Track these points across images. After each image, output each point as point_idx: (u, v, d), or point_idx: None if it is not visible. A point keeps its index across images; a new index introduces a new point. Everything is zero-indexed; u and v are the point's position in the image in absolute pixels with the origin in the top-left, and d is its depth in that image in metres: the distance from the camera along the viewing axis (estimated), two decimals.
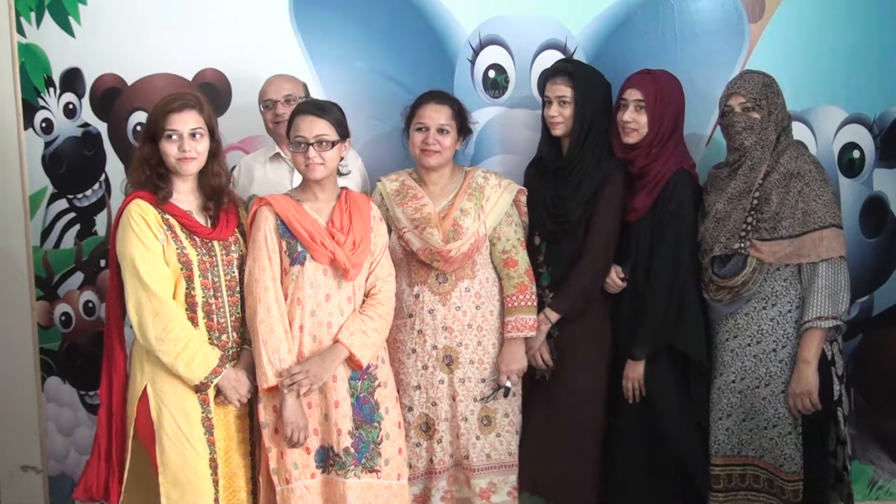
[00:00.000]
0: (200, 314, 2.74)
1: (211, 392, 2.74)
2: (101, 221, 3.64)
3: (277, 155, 3.26)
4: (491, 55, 3.48)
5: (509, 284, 3.11)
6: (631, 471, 3.12)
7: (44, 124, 3.62)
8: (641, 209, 3.08)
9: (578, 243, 3.12)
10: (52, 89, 3.59)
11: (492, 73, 3.49)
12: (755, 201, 2.95)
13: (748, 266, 2.94)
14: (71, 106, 3.59)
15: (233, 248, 2.82)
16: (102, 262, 3.63)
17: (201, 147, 2.74)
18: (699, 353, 3.05)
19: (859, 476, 3.52)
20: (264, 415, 2.81)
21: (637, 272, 3.09)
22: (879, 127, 3.42)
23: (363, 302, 2.90)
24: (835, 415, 2.94)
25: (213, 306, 2.76)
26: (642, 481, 3.11)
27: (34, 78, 3.59)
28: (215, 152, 2.80)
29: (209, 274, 2.75)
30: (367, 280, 2.90)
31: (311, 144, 2.78)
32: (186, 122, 2.71)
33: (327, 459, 2.85)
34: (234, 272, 2.81)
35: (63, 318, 3.71)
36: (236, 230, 2.86)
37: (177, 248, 2.71)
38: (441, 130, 3.06)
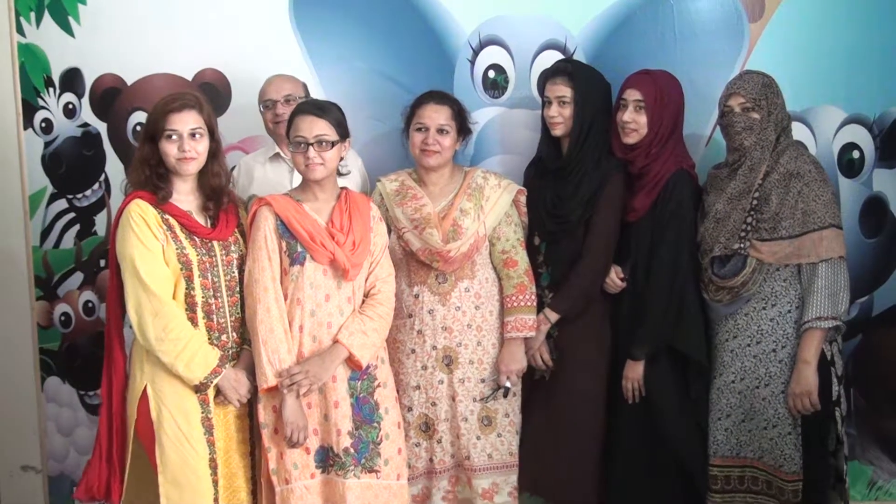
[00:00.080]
0: (200, 314, 2.74)
1: (211, 392, 2.74)
2: (100, 221, 3.64)
3: (277, 155, 3.26)
4: (491, 55, 3.48)
5: (509, 285, 3.11)
6: (631, 471, 3.13)
7: (43, 124, 3.62)
8: (641, 209, 3.08)
9: (578, 243, 3.12)
10: (51, 89, 3.59)
11: (491, 74, 3.49)
12: (755, 201, 2.95)
13: (748, 266, 2.94)
14: (71, 106, 3.59)
15: (232, 248, 2.82)
16: (102, 263, 3.63)
17: (201, 147, 2.74)
18: (699, 354, 3.05)
19: (859, 476, 3.52)
20: (264, 415, 2.81)
21: (637, 272, 3.09)
22: (879, 127, 3.42)
23: (363, 302, 2.90)
24: (834, 415, 2.94)
25: (213, 306, 2.76)
26: (642, 481, 3.11)
27: (34, 78, 3.59)
28: (215, 152, 2.80)
29: (209, 274, 2.75)
30: (366, 280, 2.90)
31: (311, 144, 2.78)
32: (186, 122, 2.71)
33: (327, 459, 2.85)
34: (233, 272, 2.81)
35: (63, 318, 3.71)
36: (236, 230, 2.86)
37: (176, 249, 2.71)
38: (441, 130, 3.06)
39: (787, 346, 2.94)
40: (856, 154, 3.44)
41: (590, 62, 3.34)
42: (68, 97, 3.58)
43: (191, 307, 2.73)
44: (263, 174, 3.26)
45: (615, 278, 3.12)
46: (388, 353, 3.00)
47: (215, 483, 2.74)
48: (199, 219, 2.79)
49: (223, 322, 2.79)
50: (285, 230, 2.80)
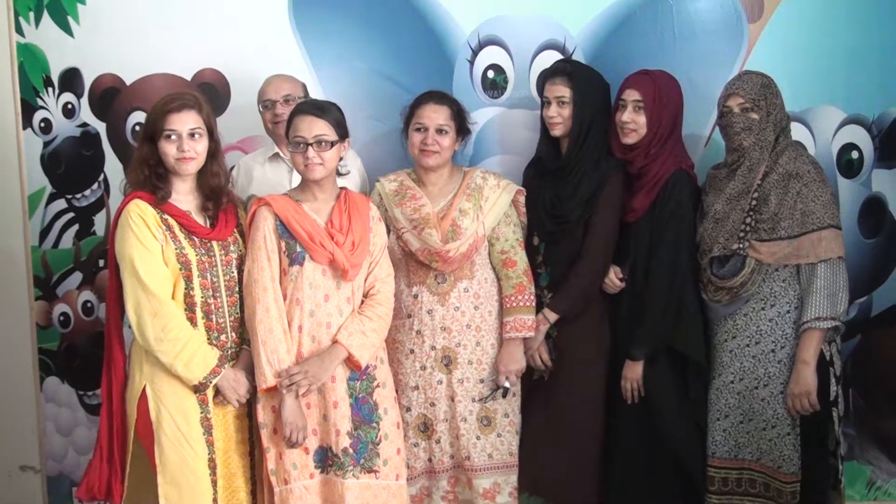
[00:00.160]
0: (199, 314, 2.74)
1: (210, 392, 2.74)
2: (99, 221, 3.64)
3: (276, 155, 3.26)
4: (490, 55, 3.48)
5: (508, 285, 3.11)
6: (630, 471, 3.13)
7: (42, 124, 3.62)
8: (640, 210, 3.08)
9: (577, 244, 3.12)
10: (50, 89, 3.59)
11: (491, 74, 3.49)
12: (754, 202, 2.95)
13: (747, 267, 2.94)
14: (70, 106, 3.59)
15: (232, 248, 2.82)
16: (101, 262, 3.63)
17: (200, 147, 2.74)
18: (698, 354, 3.05)
19: (858, 476, 3.53)
20: (263, 415, 2.81)
21: (636, 272, 3.09)
22: (878, 127, 3.42)
23: (362, 302, 2.90)
24: (831, 415, 2.94)
25: (212, 306, 2.76)
26: (641, 481, 3.11)
27: (33, 78, 3.58)
28: (214, 152, 2.80)
29: (208, 274, 2.75)
30: (365, 280, 2.90)
31: (311, 144, 2.78)
32: (185, 122, 2.71)
33: (326, 460, 2.85)
34: (232, 272, 2.81)
35: (62, 318, 3.71)
36: (235, 230, 2.86)
37: (176, 249, 2.71)
38: (440, 131, 3.06)
39: (786, 346, 2.94)
40: (855, 154, 3.44)
41: (589, 62, 3.34)
42: (67, 97, 3.58)
43: (190, 307, 2.73)
44: (263, 174, 3.25)
45: (614, 278, 3.12)
46: (387, 353, 3.00)
47: (214, 483, 2.74)
48: (199, 219, 2.79)
49: (222, 322, 2.79)
50: (284, 230, 2.80)
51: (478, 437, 3.10)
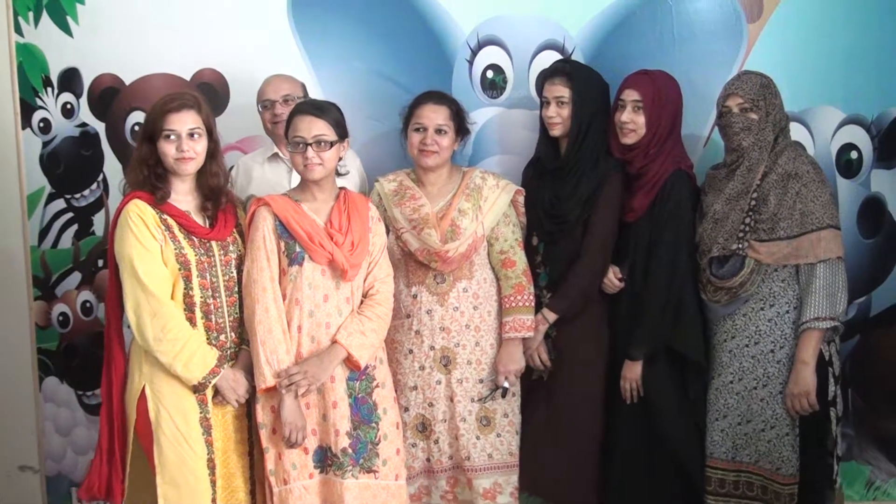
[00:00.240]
0: (198, 314, 2.74)
1: (209, 392, 2.74)
2: (98, 221, 3.64)
3: (276, 155, 3.26)
4: (489, 55, 3.48)
5: (507, 285, 3.11)
6: (629, 471, 3.13)
7: (42, 124, 3.62)
8: (639, 210, 3.08)
9: (576, 244, 3.13)
10: (49, 89, 3.58)
11: (490, 74, 3.49)
12: (753, 202, 2.95)
13: (746, 267, 2.94)
14: (69, 106, 3.59)
15: (231, 248, 2.82)
16: (100, 263, 3.63)
17: (199, 147, 2.74)
18: (697, 354, 3.05)
19: (857, 476, 3.53)
20: (262, 415, 2.81)
21: (635, 272, 3.10)
22: (877, 128, 3.43)
23: (361, 302, 2.89)
24: (829, 415, 2.94)
25: (212, 306, 2.76)
26: (641, 481, 3.11)
27: (32, 78, 3.58)
28: (213, 152, 2.80)
29: (207, 274, 2.75)
30: (365, 280, 2.90)
31: (310, 144, 2.78)
32: (185, 122, 2.71)
33: (325, 460, 2.84)
34: (232, 272, 2.81)
35: (61, 318, 3.71)
36: (234, 230, 2.86)
37: (175, 249, 2.71)
38: (439, 131, 3.06)
39: (786, 346, 2.95)
40: (854, 154, 3.44)
41: (588, 62, 3.34)
42: (66, 97, 3.58)
43: (189, 307, 2.73)
44: (262, 174, 3.25)
45: (613, 278, 3.12)
46: (386, 353, 3.00)
47: (213, 483, 2.74)
48: (198, 219, 2.79)
49: (221, 322, 2.78)
50: (284, 230, 2.80)
51: (477, 437, 3.10)
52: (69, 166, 3.62)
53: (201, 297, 2.74)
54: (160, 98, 2.78)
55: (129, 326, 2.73)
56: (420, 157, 3.09)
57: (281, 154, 3.23)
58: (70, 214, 3.65)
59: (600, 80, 3.18)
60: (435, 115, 3.06)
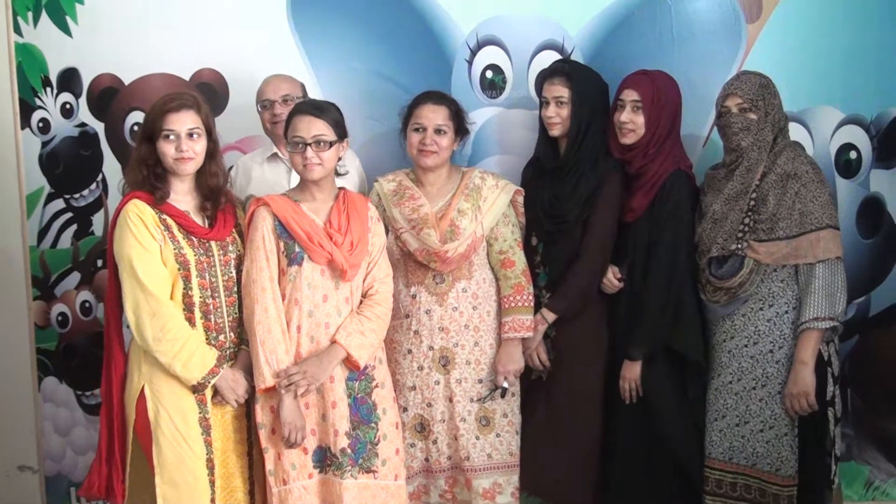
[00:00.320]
0: (198, 314, 2.74)
1: (208, 392, 2.74)
2: (98, 221, 3.64)
3: (275, 155, 3.26)
4: (488, 55, 3.48)
5: (506, 285, 3.11)
6: (629, 471, 3.12)
7: (41, 124, 3.61)
8: (638, 210, 3.08)
9: (576, 244, 3.13)
10: (49, 89, 3.58)
11: (489, 74, 3.49)
12: (752, 202, 2.95)
13: (745, 267, 2.94)
14: (68, 106, 3.59)
15: (230, 248, 2.82)
16: (99, 262, 3.62)
17: (199, 147, 2.74)
18: (696, 354, 3.05)
19: (856, 477, 3.53)
20: (261, 415, 2.81)
21: (634, 272, 3.10)
22: (876, 128, 3.43)
23: (361, 302, 2.89)
24: (827, 416, 2.94)
25: (211, 306, 2.76)
26: (640, 482, 3.11)
27: (31, 78, 3.58)
28: (213, 152, 2.80)
29: (206, 274, 2.75)
30: (364, 281, 2.90)
31: (309, 145, 2.78)
32: (184, 122, 2.71)
33: (324, 460, 2.84)
34: (231, 272, 2.81)
35: (60, 318, 3.71)
36: (234, 230, 2.86)
37: (174, 249, 2.71)
38: (438, 131, 3.06)
39: (785, 346, 2.95)
40: (853, 155, 3.44)
41: (587, 63, 3.35)
42: (66, 97, 3.58)
43: (188, 307, 2.73)
44: (261, 174, 3.25)
45: (612, 278, 3.12)
46: (385, 353, 3.00)
47: (212, 483, 2.74)
48: (197, 219, 2.79)
49: (221, 322, 2.78)
50: (283, 230, 2.80)
51: (477, 438, 3.10)
52: (68, 166, 3.62)
53: (200, 297, 2.74)
54: (159, 98, 2.78)
55: (128, 326, 2.73)
56: (419, 158, 3.09)
57: (280, 154, 3.23)
58: (69, 214, 3.65)
59: (599, 81, 3.18)
60: (434, 115, 3.06)
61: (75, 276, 3.68)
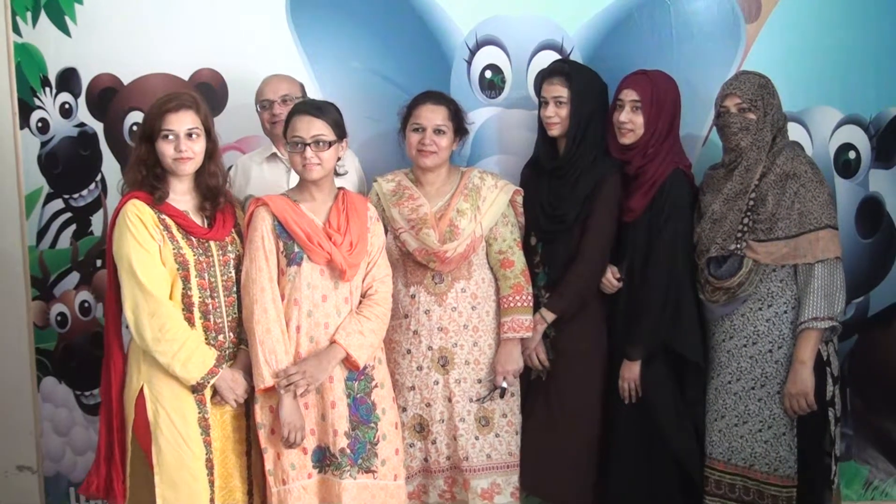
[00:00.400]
0: (197, 314, 2.74)
1: (207, 392, 2.74)
2: (97, 221, 3.63)
3: (274, 155, 3.26)
4: (487, 55, 3.48)
5: (505, 285, 3.11)
6: (628, 471, 3.12)
7: (40, 124, 3.61)
8: (638, 209, 3.08)
9: (575, 244, 3.12)
10: (48, 89, 3.58)
11: (488, 74, 3.49)
12: (751, 202, 2.95)
13: (744, 267, 2.94)
14: (67, 106, 3.58)
15: (229, 248, 2.82)
16: (98, 263, 3.62)
17: (198, 147, 2.74)
18: (695, 354, 3.05)
19: (855, 476, 3.53)
20: (261, 415, 2.81)
21: (633, 272, 3.10)
22: (875, 128, 3.43)
23: (360, 303, 2.89)
24: (827, 415, 2.94)
25: (210, 306, 2.76)
26: (640, 481, 3.11)
27: (30, 77, 3.58)
28: (212, 152, 2.80)
29: (206, 274, 2.75)
30: (363, 281, 2.90)
31: (309, 145, 2.78)
32: (183, 122, 2.71)
33: (324, 460, 2.84)
34: (230, 272, 2.81)
35: (59, 318, 3.71)
36: (233, 230, 2.85)
37: (173, 249, 2.71)
38: (437, 131, 3.06)
39: (784, 346, 2.95)
40: (852, 154, 3.44)
41: (586, 62, 3.35)
42: (65, 97, 3.58)
43: (188, 307, 2.73)
44: (260, 174, 3.25)
45: (611, 278, 3.12)
46: (384, 353, 3.00)
47: (211, 483, 2.74)
48: (196, 219, 2.79)
49: (220, 322, 2.78)
50: (282, 230, 2.80)
51: (476, 438, 3.09)
52: (67, 166, 3.62)
53: (200, 297, 2.74)
54: (158, 98, 2.78)
55: (127, 326, 2.72)
56: (418, 158, 3.09)
57: (279, 154, 3.23)
58: (68, 214, 3.65)
59: (598, 80, 3.18)
60: (433, 115, 3.06)
61: (74, 277, 3.68)
